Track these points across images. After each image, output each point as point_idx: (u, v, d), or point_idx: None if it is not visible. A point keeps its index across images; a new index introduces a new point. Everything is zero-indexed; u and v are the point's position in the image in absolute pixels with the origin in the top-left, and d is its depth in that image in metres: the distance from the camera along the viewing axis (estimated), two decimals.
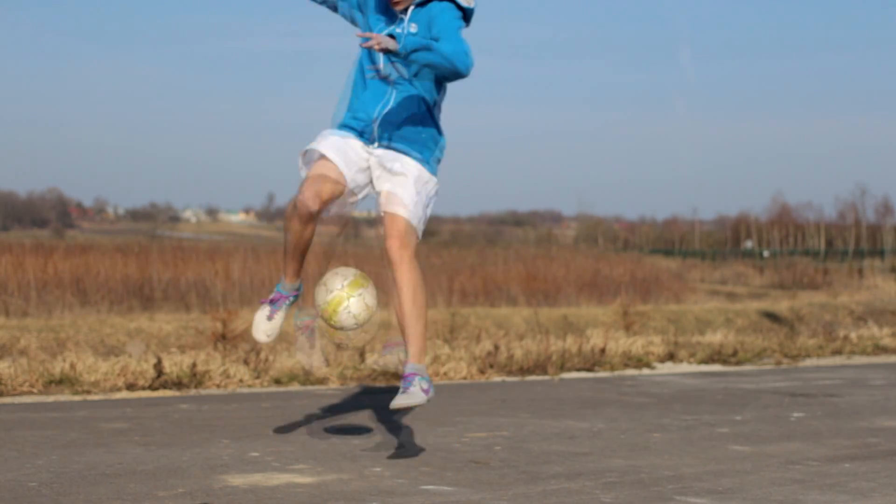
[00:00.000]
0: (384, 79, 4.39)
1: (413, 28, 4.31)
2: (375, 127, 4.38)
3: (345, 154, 4.37)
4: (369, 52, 4.36)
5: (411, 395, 4.26)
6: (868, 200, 71.98)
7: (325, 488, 3.84)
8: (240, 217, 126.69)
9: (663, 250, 57.34)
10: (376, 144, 4.40)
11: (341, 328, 4.41)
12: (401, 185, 4.35)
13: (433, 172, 4.45)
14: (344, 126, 4.44)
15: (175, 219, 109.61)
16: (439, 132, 4.48)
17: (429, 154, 4.43)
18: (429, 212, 4.46)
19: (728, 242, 65.79)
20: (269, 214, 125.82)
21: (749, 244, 62.68)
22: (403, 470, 4.22)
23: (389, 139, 4.39)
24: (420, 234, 4.43)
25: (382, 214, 4.38)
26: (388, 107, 4.37)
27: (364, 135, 4.41)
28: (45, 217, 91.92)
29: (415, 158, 4.38)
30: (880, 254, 51.24)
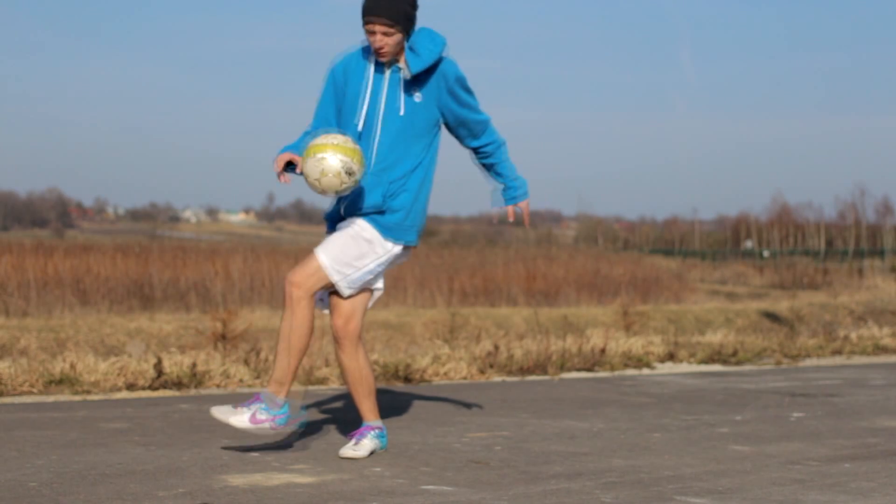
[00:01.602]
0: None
1: (418, 98, 4.42)
2: (343, 213, 4.53)
3: None
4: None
5: (235, 414, 4.37)
6: (868, 200, 72.01)
7: (325, 488, 3.84)
8: (240, 217, 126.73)
9: (663, 250, 57.36)
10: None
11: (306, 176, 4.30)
12: (340, 234, 4.44)
13: (395, 239, 4.45)
14: (329, 219, 4.60)
15: (175, 219, 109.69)
16: (418, 194, 4.50)
17: (395, 220, 4.45)
18: (368, 275, 4.45)
19: (728, 242, 65.82)
20: (269, 214, 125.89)
21: (749, 244, 62.68)
22: (403, 470, 4.22)
23: (355, 211, 4.49)
24: (347, 290, 4.42)
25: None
26: (351, 197, 4.46)
27: (338, 220, 4.56)
28: (45, 217, 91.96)
29: (372, 222, 4.43)
30: (880, 254, 51.24)
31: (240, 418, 4.33)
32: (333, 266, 4.36)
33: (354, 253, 4.39)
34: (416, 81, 4.42)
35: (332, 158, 4.20)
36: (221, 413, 4.33)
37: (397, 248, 4.48)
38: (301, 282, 4.34)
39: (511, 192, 4.64)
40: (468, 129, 4.55)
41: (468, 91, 4.50)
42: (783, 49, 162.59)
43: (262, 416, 4.35)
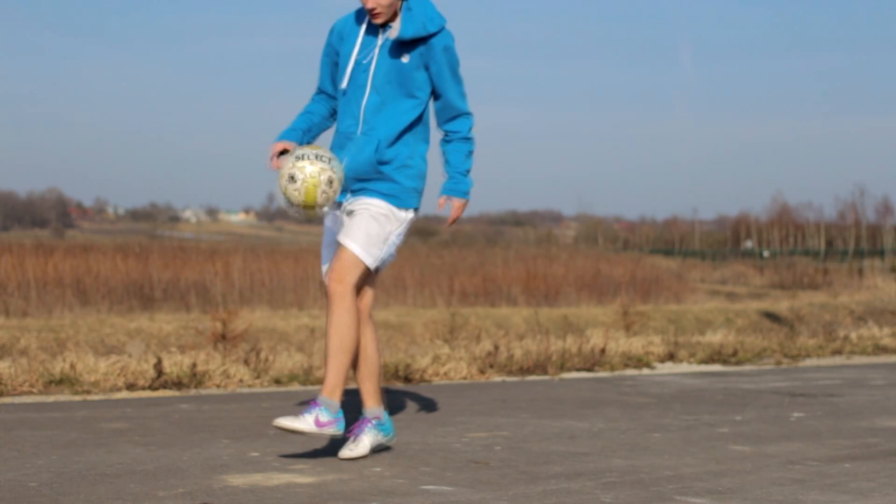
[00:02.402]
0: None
1: (405, 59, 4.42)
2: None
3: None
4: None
5: (299, 420, 4.26)
6: (868, 200, 71.99)
7: (325, 488, 3.84)
8: (240, 217, 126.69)
9: (663, 250, 57.34)
10: (349, 195, 4.48)
11: (323, 205, 4.33)
12: (357, 218, 4.41)
13: (403, 206, 4.46)
14: None
15: (175, 219, 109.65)
16: (413, 157, 4.48)
17: (396, 187, 4.43)
18: (391, 248, 4.47)
19: (728, 242, 65.80)
20: (268, 214, 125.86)
21: (749, 244, 62.68)
22: (403, 470, 4.22)
23: (356, 191, 4.46)
24: (374, 267, 4.43)
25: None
26: (347, 161, 4.43)
27: (343, 192, 4.49)
28: (45, 217, 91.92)
29: (379, 196, 4.43)
30: (880, 254, 51.24)
31: (306, 423, 4.25)
32: (365, 252, 4.36)
33: (377, 231, 4.39)
34: (406, 43, 4.42)
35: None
36: (287, 422, 4.24)
37: (410, 214, 4.50)
38: (342, 277, 4.33)
39: (449, 182, 4.56)
40: (440, 107, 4.52)
41: (454, 71, 4.48)
42: (783, 49, 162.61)
43: (325, 419, 4.29)
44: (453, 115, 4.54)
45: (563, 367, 8.32)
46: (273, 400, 6.31)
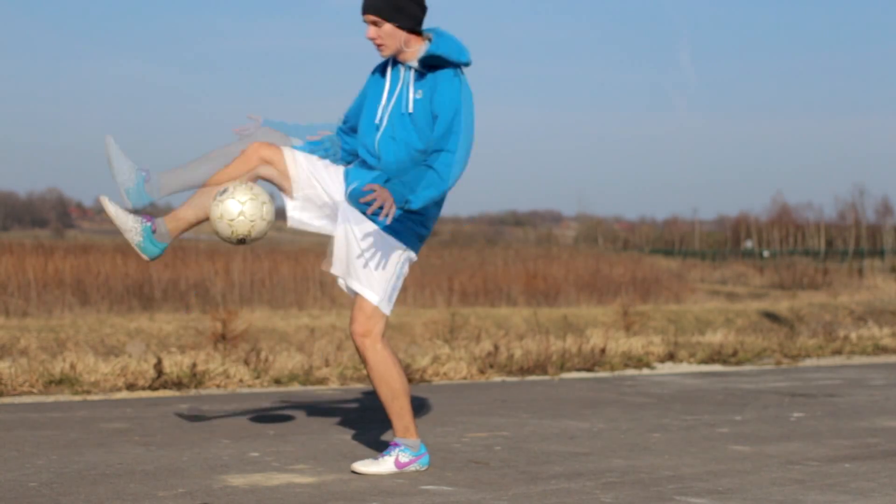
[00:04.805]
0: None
1: (419, 94, 4.36)
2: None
3: (310, 164, 4.40)
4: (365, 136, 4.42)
5: (378, 463, 4.20)
6: (868, 200, 71.95)
7: (325, 488, 3.84)
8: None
9: (663, 250, 57.30)
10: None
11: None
12: (373, 264, 4.29)
13: (406, 244, 4.34)
14: (353, 199, 4.41)
15: None
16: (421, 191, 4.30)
17: (399, 224, 4.32)
18: (400, 282, 4.36)
19: (728, 242, 65.77)
20: None
21: (749, 244, 62.66)
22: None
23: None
24: (390, 305, 4.32)
25: (348, 287, 4.31)
26: (355, 186, 4.34)
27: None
28: (45, 217, 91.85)
29: (391, 234, 4.31)
30: (880, 254, 51.24)
31: (386, 465, 4.19)
32: (384, 300, 4.27)
33: (392, 273, 4.29)
34: (422, 77, 4.39)
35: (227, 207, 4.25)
36: (365, 467, 4.18)
37: (411, 254, 4.38)
38: (366, 330, 4.24)
39: (389, 184, 4.24)
40: (433, 136, 4.34)
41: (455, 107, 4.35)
42: (783, 49, 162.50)
43: (405, 459, 4.22)
44: (435, 145, 4.32)
45: (563, 367, 8.32)
46: (273, 400, 6.31)
